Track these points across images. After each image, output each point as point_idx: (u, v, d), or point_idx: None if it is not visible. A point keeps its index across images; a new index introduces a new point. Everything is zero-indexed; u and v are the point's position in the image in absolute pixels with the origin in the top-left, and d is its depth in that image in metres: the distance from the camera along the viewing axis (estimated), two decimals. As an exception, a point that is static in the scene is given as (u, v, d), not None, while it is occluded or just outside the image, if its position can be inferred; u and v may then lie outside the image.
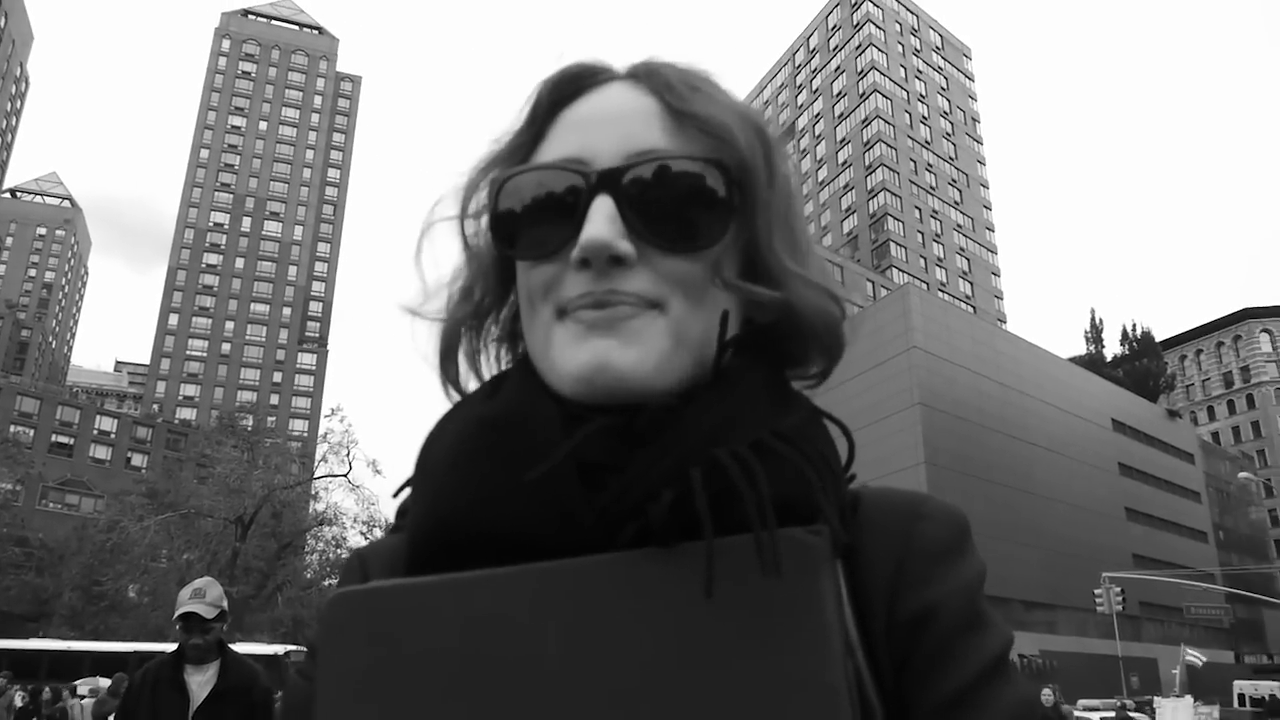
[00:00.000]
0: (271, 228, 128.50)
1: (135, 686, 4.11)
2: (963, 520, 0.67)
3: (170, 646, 4.27)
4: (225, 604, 4.21)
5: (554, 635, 0.57)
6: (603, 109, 0.69)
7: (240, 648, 4.40)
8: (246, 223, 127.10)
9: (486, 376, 0.77)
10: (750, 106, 0.73)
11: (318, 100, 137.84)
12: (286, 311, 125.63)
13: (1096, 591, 39.12)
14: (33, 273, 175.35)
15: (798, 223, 0.72)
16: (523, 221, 0.67)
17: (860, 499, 0.68)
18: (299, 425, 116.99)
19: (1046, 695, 15.48)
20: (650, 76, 0.70)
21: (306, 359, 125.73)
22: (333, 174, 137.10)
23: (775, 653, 0.54)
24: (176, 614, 4.10)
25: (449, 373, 0.77)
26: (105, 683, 14.10)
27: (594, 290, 0.63)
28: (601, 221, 0.62)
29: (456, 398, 0.76)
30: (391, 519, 0.76)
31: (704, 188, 0.65)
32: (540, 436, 0.62)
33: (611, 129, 0.67)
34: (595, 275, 0.63)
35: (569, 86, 0.71)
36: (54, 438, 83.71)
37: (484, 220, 0.73)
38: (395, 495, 0.73)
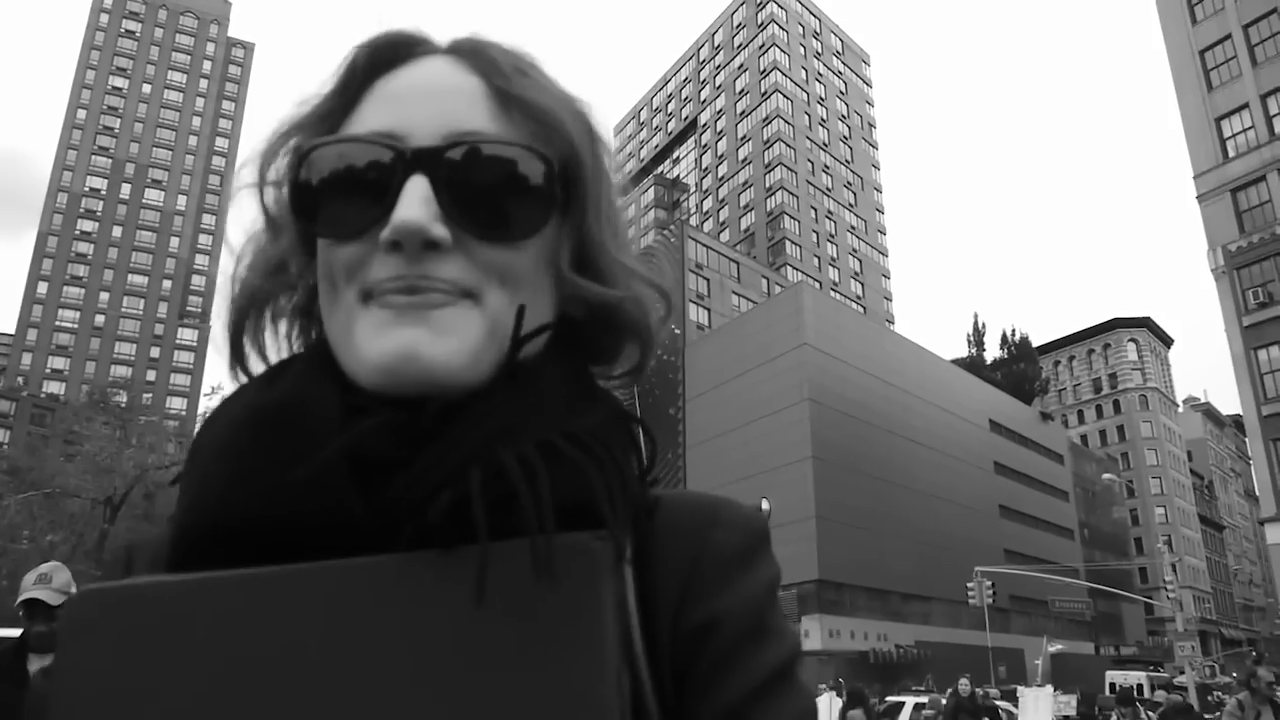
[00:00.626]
0: (153, 196, 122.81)
1: (-7, 672, 3.85)
2: (760, 527, 0.66)
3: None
4: (74, 589, 3.96)
5: (318, 638, 0.54)
6: (423, 83, 0.65)
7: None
8: (126, 189, 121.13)
9: (275, 357, 0.72)
10: (576, 95, 0.69)
11: (206, 65, 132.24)
12: (167, 284, 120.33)
13: (969, 585, 40.63)
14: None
15: (619, 218, 0.70)
16: (327, 195, 0.62)
17: (660, 503, 0.65)
18: (178, 403, 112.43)
19: (964, 685, 15.87)
20: (475, 55, 0.66)
21: (187, 334, 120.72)
22: (220, 143, 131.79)
23: (548, 663, 0.52)
24: (19, 600, 3.86)
25: (238, 354, 0.72)
26: None
27: (405, 275, 0.59)
28: (415, 203, 0.59)
29: (245, 381, 0.71)
30: None
31: (527, 175, 0.62)
32: (317, 429, 0.59)
33: (431, 105, 0.63)
34: (407, 259, 0.59)
35: (387, 54, 0.67)
36: (-96, 409, 78.51)
37: (284, 191, 0.68)
38: (171, 484, 0.69)
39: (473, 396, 0.60)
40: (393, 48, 0.67)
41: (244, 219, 0.72)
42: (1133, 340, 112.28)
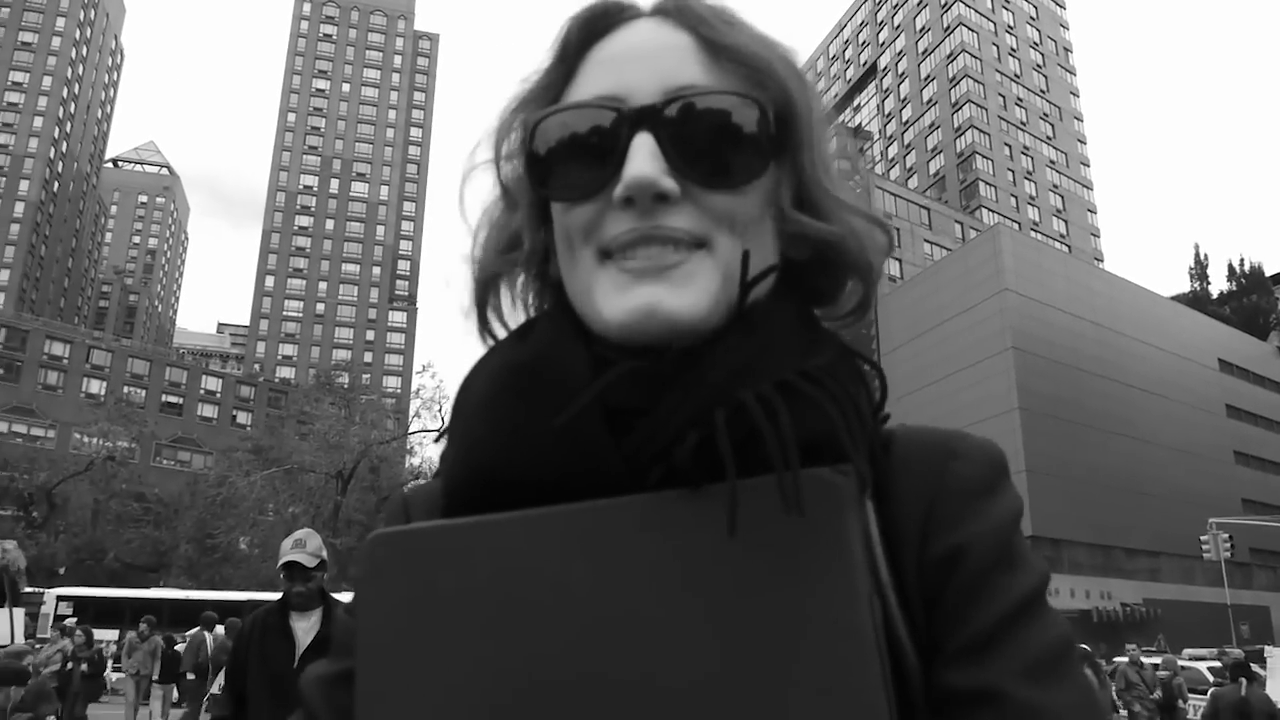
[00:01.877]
0: (358, 188, 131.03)
1: (244, 633, 4.31)
2: (998, 457, 0.67)
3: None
4: (325, 554, 4.36)
5: (582, 574, 0.58)
6: (636, 45, 0.67)
7: (344, 597, 4.54)
8: (334, 184, 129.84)
9: (513, 324, 0.76)
10: (780, 40, 0.71)
11: (397, 60, 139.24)
12: (376, 271, 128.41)
13: (1203, 538, 37.90)
14: (136, 239, 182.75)
15: (832, 156, 0.71)
16: (559, 162, 0.66)
17: (894, 438, 0.67)
18: (392, 382, 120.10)
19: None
20: (681, 12, 0.68)
21: (397, 317, 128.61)
22: (415, 133, 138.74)
23: (800, 592, 0.55)
24: (280, 563, 4.27)
25: (484, 320, 0.77)
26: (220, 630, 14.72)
27: (638, 227, 0.62)
28: (644, 158, 0.61)
29: (490, 345, 0.76)
30: None
31: (746, 123, 0.64)
32: (568, 380, 0.63)
33: (647, 65, 0.66)
34: (639, 213, 0.62)
35: (598, 23, 0.70)
36: (164, 398, 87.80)
37: (518, 163, 0.72)
38: (436, 441, 0.74)
39: (708, 342, 0.62)
40: (603, 15, 0.70)
41: (477, 196, 0.76)
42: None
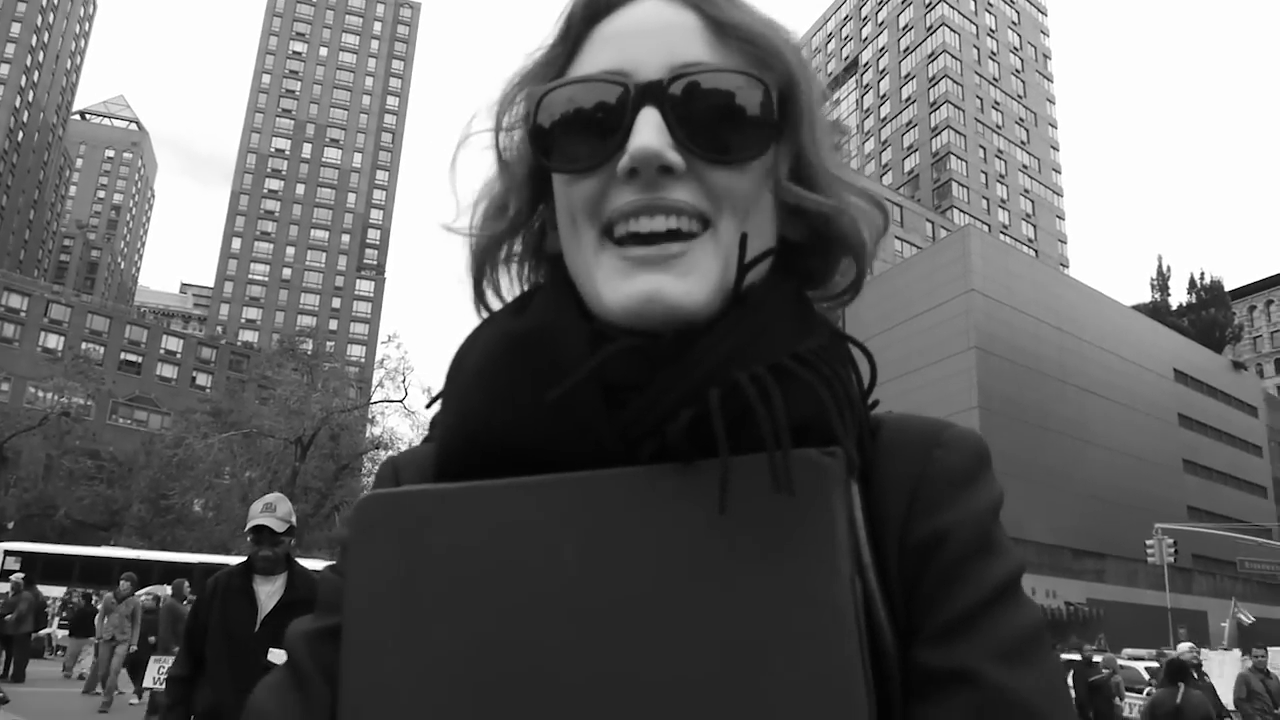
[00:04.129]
0: (331, 154, 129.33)
1: (206, 595, 4.32)
2: (982, 448, 0.67)
3: (235, 560, 4.47)
4: (294, 519, 4.41)
5: (571, 542, 0.59)
6: (641, 22, 0.68)
7: (303, 564, 4.62)
8: (307, 149, 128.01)
9: (507, 295, 0.77)
10: (781, 22, 0.72)
11: (377, 27, 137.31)
12: (345, 238, 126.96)
13: (1148, 542, 38.69)
14: (101, 194, 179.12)
15: (831, 136, 0.72)
16: (564, 135, 0.66)
17: (882, 424, 0.68)
18: (357, 351, 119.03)
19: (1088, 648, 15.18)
20: None
21: (364, 286, 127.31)
22: (391, 101, 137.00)
23: (785, 569, 0.55)
24: (249, 526, 4.31)
25: (479, 289, 0.78)
26: (168, 590, 14.53)
27: (645, 199, 0.63)
28: (650, 131, 0.62)
29: (486, 315, 0.76)
30: None
31: (750, 101, 0.65)
32: (566, 354, 0.63)
33: (653, 41, 0.66)
34: (643, 185, 0.63)
35: (603, 1, 0.70)
36: (123, 355, 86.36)
37: (518, 134, 0.73)
38: (428, 407, 0.75)
39: (705, 322, 0.63)
40: None
41: (471, 169, 0.76)
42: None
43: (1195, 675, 11.01)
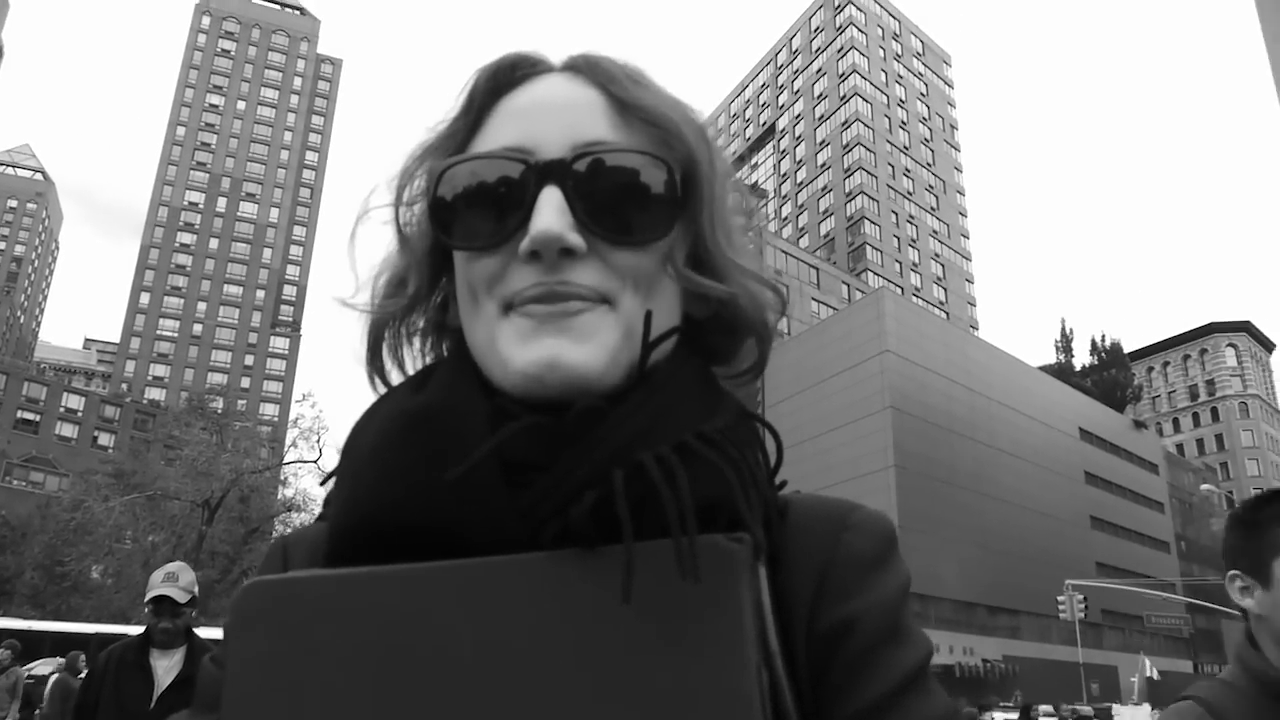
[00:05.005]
0: (247, 209, 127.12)
1: (99, 669, 4.09)
2: (889, 531, 0.67)
3: (134, 630, 4.23)
4: (197, 589, 4.20)
5: (469, 632, 0.57)
6: (546, 99, 0.67)
7: (204, 632, 4.39)
8: (222, 203, 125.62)
9: (410, 370, 0.76)
10: (687, 102, 0.72)
11: (297, 82, 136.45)
12: (260, 294, 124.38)
13: (1060, 598, 39.55)
14: (2, 245, 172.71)
15: (733, 219, 0.72)
16: (464, 211, 0.65)
17: (790, 506, 0.67)
18: (270, 410, 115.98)
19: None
20: (591, 69, 0.69)
21: (279, 343, 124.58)
22: (310, 157, 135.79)
23: (690, 659, 0.54)
24: (148, 596, 4.08)
25: (376, 365, 0.75)
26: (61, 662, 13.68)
27: (544, 281, 0.62)
28: (552, 213, 0.61)
29: (383, 390, 0.74)
30: None
31: (652, 181, 0.64)
32: (465, 432, 0.62)
33: (556, 119, 0.66)
34: (545, 267, 0.62)
35: (506, 75, 0.70)
36: (19, 414, 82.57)
37: (419, 208, 0.72)
38: (322, 484, 0.73)
39: (609, 400, 0.62)
40: (511, 68, 0.70)
41: (371, 242, 0.75)
42: (1231, 345, 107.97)
43: None
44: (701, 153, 0.68)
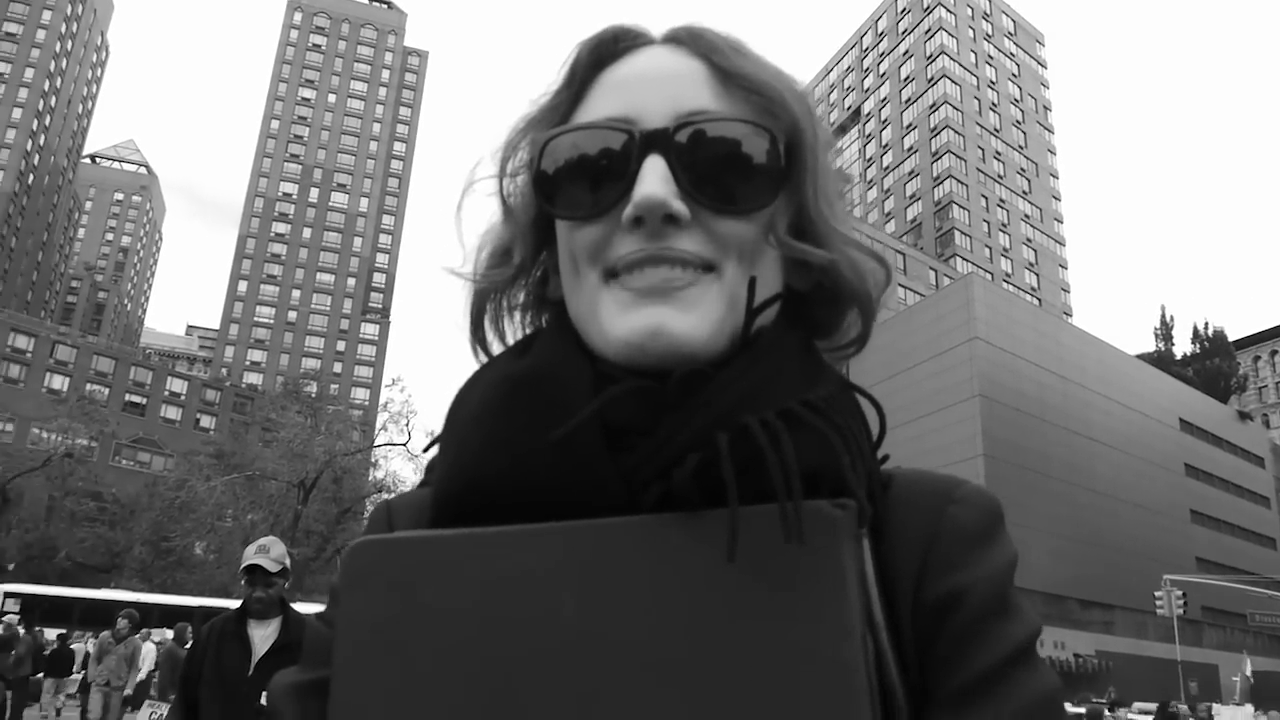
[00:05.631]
0: (338, 199, 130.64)
1: (201, 640, 4.28)
2: (996, 507, 0.66)
3: (234, 604, 4.42)
4: (288, 562, 4.37)
5: (572, 594, 0.57)
6: (648, 69, 0.68)
7: (299, 608, 4.56)
8: (314, 193, 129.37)
9: (510, 341, 0.76)
10: (789, 72, 0.71)
11: (385, 74, 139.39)
12: (351, 282, 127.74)
13: (1157, 594, 38.35)
14: (110, 237, 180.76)
15: (836, 189, 0.71)
16: (568, 181, 0.65)
17: (893, 479, 0.67)
18: (361, 394, 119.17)
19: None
20: (693, 40, 0.69)
21: (369, 329, 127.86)
22: (398, 147, 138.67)
23: (793, 624, 0.54)
24: (242, 566, 4.27)
25: (479, 335, 0.77)
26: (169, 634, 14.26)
27: (646, 248, 0.62)
28: (656, 180, 0.61)
29: (485, 360, 0.75)
30: None
31: (755, 150, 0.64)
32: (568, 397, 0.62)
33: (659, 89, 0.66)
34: (648, 234, 0.62)
35: (609, 48, 0.70)
36: (127, 397, 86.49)
37: (522, 180, 0.73)
38: (425, 450, 0.74)
39: (713, 366, 0.62)
40: (614, 41, 0.71)
41: (475, 214, 0.76)
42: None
43: None
44: (805, 121, 0.68)
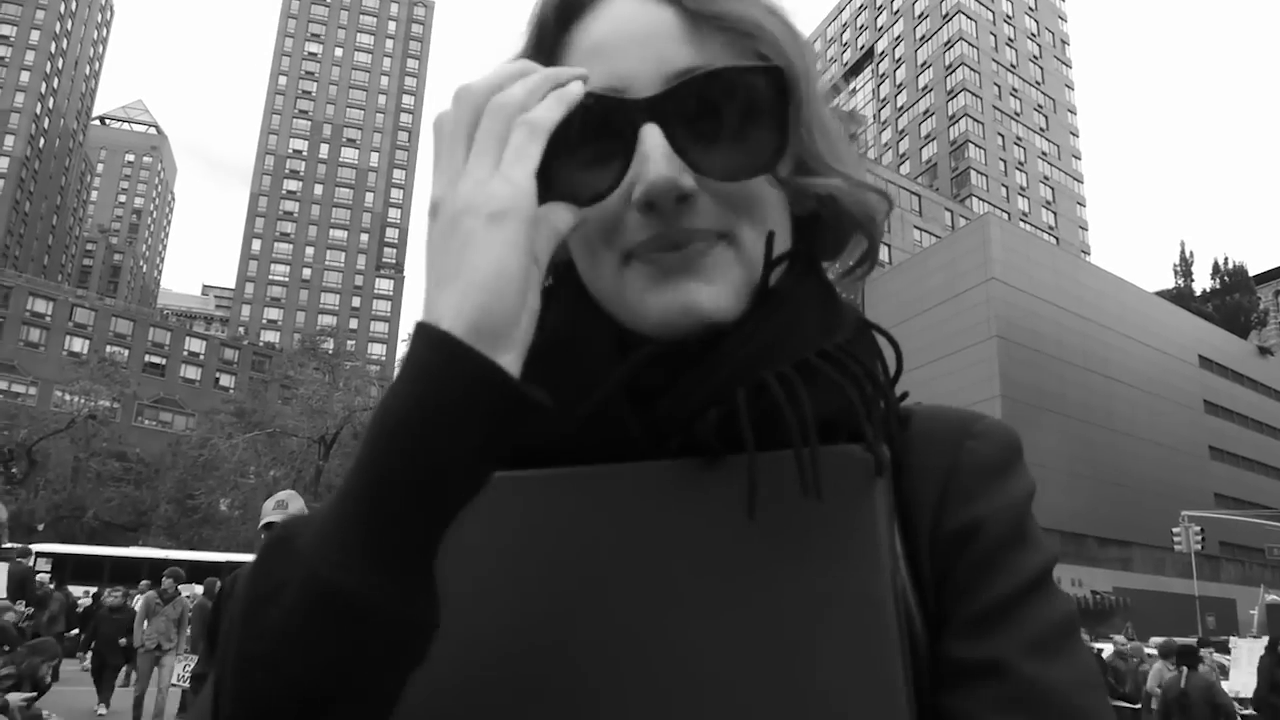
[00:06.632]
0: (348, 154, 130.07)
1: (224, 592, 4.40)
2: (1014, 439, 0.67)
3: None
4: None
5: (603, 534, 0.59)
6: (624, 28, 0.64)
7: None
8: (324, 149, 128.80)
9: None
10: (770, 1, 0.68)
11: (391, 26, 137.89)
12: (364, 237, 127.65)
13: (1175, 530, 38.38)
14: (122, 198, 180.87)
15: (829, 118, 0.69)
16: (562, 161, 0.58)
17: (912, 415, 0.67)
18: (377, 349, 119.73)
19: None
20: None
21: (384, 284, 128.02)
22: (407, 100, 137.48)
23: (821, 565, 0.55)
24: (261, 523, 4.36)
25: None
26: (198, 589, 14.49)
27: (665, 232, 0.61)
28: (660, 159, 0.59)
29: None
30: None
31: (751, 100, 0.61)
32: (594, 362, 0.63)
33: (640, 50, 0.63)
34: (662, 216, 0.61)
35: (572, 1, 0.67)
36: (147, 358, 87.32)
37: None
38: None
39: (732, 323, 0.62)
40: None
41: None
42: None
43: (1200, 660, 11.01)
44: (790, 47, 0.65)
